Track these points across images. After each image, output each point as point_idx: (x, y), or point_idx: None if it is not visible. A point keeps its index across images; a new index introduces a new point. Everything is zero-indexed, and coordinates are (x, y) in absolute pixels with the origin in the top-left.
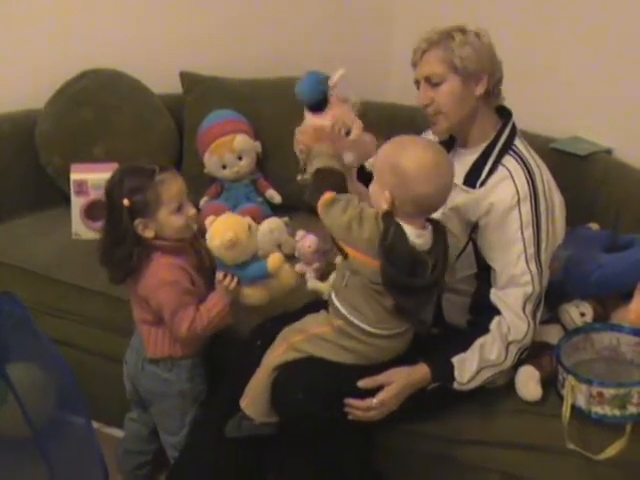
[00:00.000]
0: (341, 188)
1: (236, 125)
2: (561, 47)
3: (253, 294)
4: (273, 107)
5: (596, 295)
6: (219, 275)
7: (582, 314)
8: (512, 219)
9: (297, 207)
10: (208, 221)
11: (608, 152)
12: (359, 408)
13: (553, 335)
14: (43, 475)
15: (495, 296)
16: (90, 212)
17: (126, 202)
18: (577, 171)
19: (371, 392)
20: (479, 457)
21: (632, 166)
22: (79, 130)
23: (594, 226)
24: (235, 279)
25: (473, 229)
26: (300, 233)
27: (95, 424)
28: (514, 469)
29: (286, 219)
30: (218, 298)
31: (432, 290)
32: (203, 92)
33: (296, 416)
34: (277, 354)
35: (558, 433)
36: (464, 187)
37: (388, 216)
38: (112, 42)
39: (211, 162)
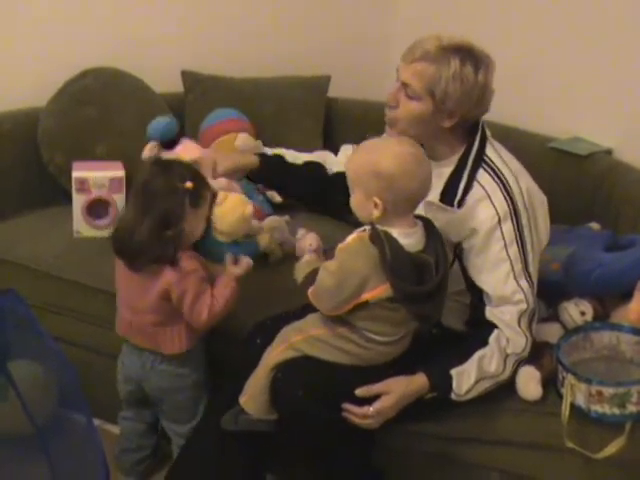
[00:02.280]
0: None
1: (237, 124)
2: (562, 47)
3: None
4: (274, 106)
5: (596, 294)
6: (229, 259)
7: (582, 313)
8: (495, 240)
9: (298, 206)
10: (221, 196)
11: (608, 152)
12: (356, 415)
13: (553, 334)
14: (45, 472)
15: (490, 314)
16: (91, 210)
17: (189, 184)
18: (577, 171)
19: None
20: (479, 456)
21: (632, 166)
22: (81, 128)
23: (594, 226)
24: (246, 261)
25: (457, 249)
26: (301, 232)
27: (96, 421)
28: (514, 468)
29: (287, 218)
30: (227, 280)
31: (443, 289)
32: (204, 91)
33: (295, 413)
34: (276, 353)
35: (557, 432)
36: (441, 205)
37: (375, 233)
38: (114, 41)
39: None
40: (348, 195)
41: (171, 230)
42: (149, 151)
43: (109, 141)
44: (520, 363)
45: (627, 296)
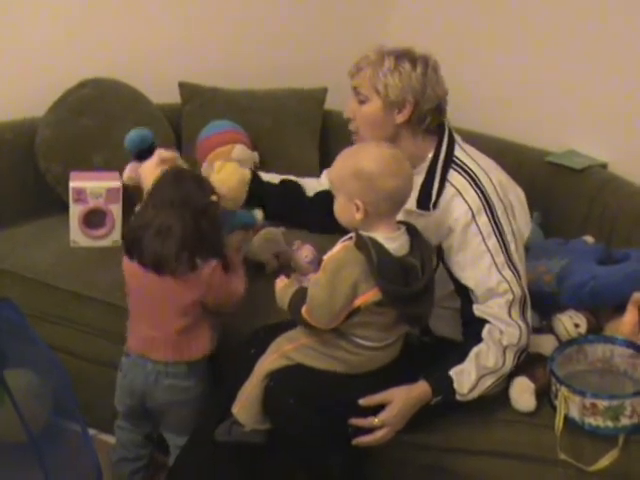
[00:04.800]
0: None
1: (234, 135)
2: (558, 61)
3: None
4: (271, 118)
5: (590, 307)
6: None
7: (576, 325)
8: (472, 235)
9: (299, 227)
10: (218, 165)
11: (603, 166)
12: (362, 427)
13: (547, 346)
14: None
15: (479, 311)
16: (88, 220)
17: (215, 198)
18: (572, 184)
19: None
20: (472, 467)
21: (627, 180)
22: (79, 138)
23: (589, 239)
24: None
25: (439, 252)
26: (297, 243)
27: (91, 431)
28: (506, 479)
29: (283, 229)
30: (234, 253)
31: (431, 289)
32: (202, 102)
33: (288, 421)
34: (268, 362)
35: (551, 444)
36: (418, 211)
37: (360, 240)
38: (112, 52)
39: (209, 172)
40: (328, 214)
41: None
42: (129, 172)
43: (106, 151)
44: (522, 355)
45: (621, 309)
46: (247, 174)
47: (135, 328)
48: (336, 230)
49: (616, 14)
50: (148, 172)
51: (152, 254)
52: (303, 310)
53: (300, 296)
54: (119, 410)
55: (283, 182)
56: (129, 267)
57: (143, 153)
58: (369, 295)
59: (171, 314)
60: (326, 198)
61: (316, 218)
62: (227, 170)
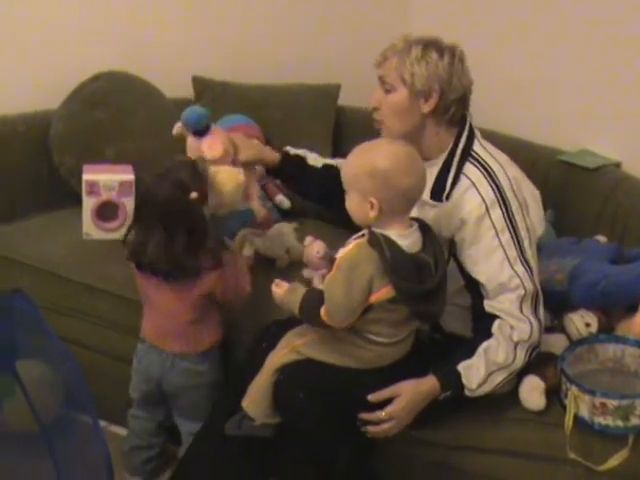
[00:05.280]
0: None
1: (247, 130)
2: (572, 60)
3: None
4: (284, 112)
5: (601, 306)
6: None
7: (587, 324)
8: (485, 229)
9: (306, 213)
10: (212, 171)
11: (617, 165)
12: (371, 421)
13: (558, 345)
14: (50, 470)
15: (489, 307)
16: (101, 213)
17: (194, 195)
18: (585, 184)
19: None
20: (480, 465)
21: None
22: (92, 131)
23: (602, 239)
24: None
25: (450, 245)
26: (308, 239)
27: (101, 422)
28: (515, 478)
29: (295, 225)
30: (237, 255)
31: (443, 287)
32: (215, 97)
33: (297, 416)
34: (279, 356)
35: (560, 443)
36: (431, 202)
37: (373, 237)
38: (126, 46)
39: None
40: None
41: (207, 242)
42: (176, 130)
43: (119, 144)
44: (533, 351)
45: (632, 309)
46: (241, 178)
47: (149, 316)
48: None
49: (633, 12)
50: (209, 148)
51: (159, 270)
52: (322, 311)
53: (313, 297)
54: (134, 397)
55: (325, 167)
56: (139, 275)
57: (199, 132)
58: (383, 292)
59: (179, 308)
60: None
61: None
62: (221, 177)
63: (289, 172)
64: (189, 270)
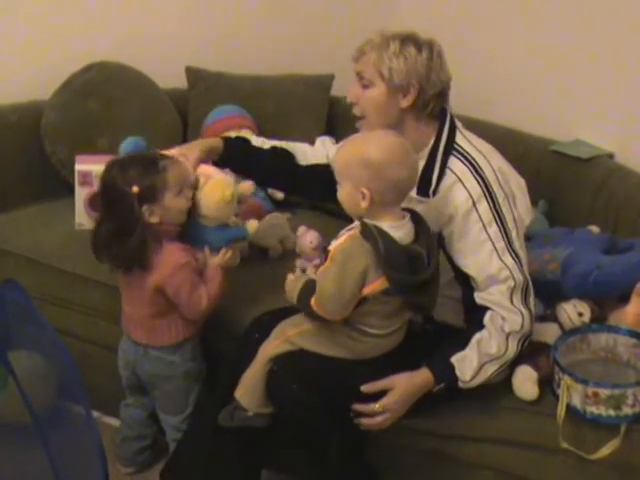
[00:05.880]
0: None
1: (240, 120)
2: (564, 50)
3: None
4: (277, 103)
5: (594, 296)
6: (206, 251)
7: (580, 314)
8: (472, 222)
9: (299, 203)
10: (202, 181)
11: (609, 156)
12: (364, 412)
13: (550, 335)
14: (43, 461)
15: (480, 299)
16: (94, 203)
17: (135, 189)
18: (578, 174)
19: (372, 394)
20: (473, 454)
21: (633, 170)
22: (85, 121)
23: (594, 229)
24: (224, 251)
25: (439, 239)
26: (302, 229)
27: (95, 413)
28: (508, 467)
29: (288, 215)
30: (214, 271)
31: (437, 278)
32: (208, 87)
33: (290, 406)
34: (272, 347)
35: (553, 432)
36: (419, 197)
37: (366, 229)
38: (119, 36)
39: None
40: (324, 187)
41: (133, 238)
42: None
43: (112, 135)
44: (525, 341)
45: (625, 299)
46: (229, 193)
47: (122, 305)
48: (329, 201)
49: (626, 1)
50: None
51: (95, 253)
52: (312, 302)
53: (309, 288)
54: (123, 384)
55: (274, 150)
56: None
57: None
58: (377, 284)
59: (139, 300)
60: (322, 172)
61: (309, 187)
62: (208, 188)
63: (233, 156)
64: (116, 259)
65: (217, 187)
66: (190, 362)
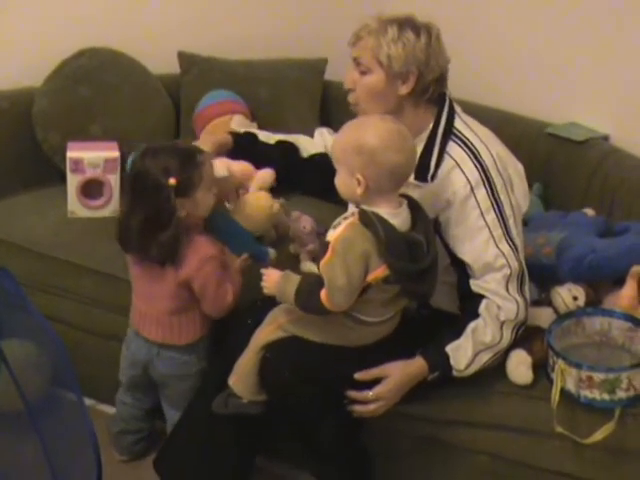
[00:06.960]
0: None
1: (233, 106)
2: (559, 32)
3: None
4: (270, 88)
5: (589, 279)
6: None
7: (575, 298)
8: (470, 209)
9: (292, 188)
10: (246, 198)
11: (605, 138)
12: (357, 400)
13: (545, 319)
14: (36, 449)
15: (475, 286)
16: (86, 190)
17: (172, 181)
18: (573, 156)
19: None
20: (467, 439)
21: (628, 152)
22: (76, 108)
23: (589, 212)
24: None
25: (435, 225)
26: (295, 214)
27: (89, 401)
28: (503, 452)
29: (282, 200)
30: (235, 272)
31: (435, 265)
32: (200, 72)
33: (283, 394)
34: (265, 333)
35: (547, 416)
36: (416, 182)
37: (365, 216)
38: (111, 21)
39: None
40: (323, 177)
41: (167, 231)
42: None
43: (104, 121)
44: (519, 329)
45: (619, 282)
46: (274, 209)
47: (134, 301)
48: (330, 194)
49: None
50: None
51: (126, 246)
52: (322, 296)
53: (310, 283)
54: (122, 381)
55: (279, 144)
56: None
57: None
58: (379, 272)
59: (159, 294)
60: (321, 161)
61: (310, 180)
62: (253, 205)
63: (241, 151)
64: (148, 252)
65: (268, 197)
66: (204, 361)
